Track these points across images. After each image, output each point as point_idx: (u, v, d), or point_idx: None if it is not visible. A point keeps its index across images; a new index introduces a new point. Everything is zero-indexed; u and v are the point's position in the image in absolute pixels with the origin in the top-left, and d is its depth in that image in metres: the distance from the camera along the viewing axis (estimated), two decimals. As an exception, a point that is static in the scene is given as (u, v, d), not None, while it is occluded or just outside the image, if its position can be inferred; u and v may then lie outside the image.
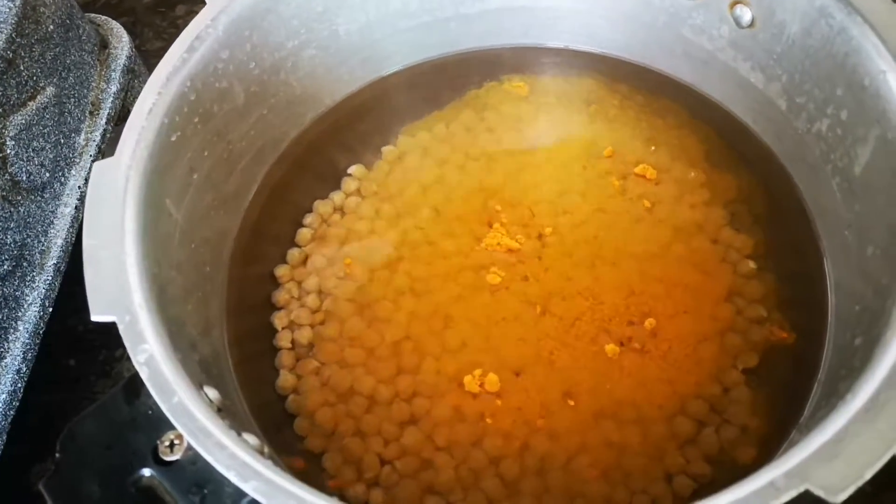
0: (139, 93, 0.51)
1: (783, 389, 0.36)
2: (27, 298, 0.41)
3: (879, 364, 0.25)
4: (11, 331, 0.40)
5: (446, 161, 0.46)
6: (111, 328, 0.50)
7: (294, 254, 0.43)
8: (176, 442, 0.26)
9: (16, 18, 0.40)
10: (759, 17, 0.36)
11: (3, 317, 0.39)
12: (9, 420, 0.39)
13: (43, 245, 0.42)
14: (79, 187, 0.44)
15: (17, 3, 0.41)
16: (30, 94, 0.41)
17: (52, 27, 0.44)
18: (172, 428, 0.26)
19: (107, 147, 0.47)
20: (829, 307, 0.36)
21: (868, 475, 0.23)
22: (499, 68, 0.47)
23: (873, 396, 0.24)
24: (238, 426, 0.27)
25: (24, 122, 0.41)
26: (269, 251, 0.42)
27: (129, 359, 0.49)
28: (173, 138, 0.33)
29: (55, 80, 0.44)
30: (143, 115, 0.31)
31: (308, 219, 0.44)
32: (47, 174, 0.42)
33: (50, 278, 0.42)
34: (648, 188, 0.43)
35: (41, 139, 0.42)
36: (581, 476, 0.36)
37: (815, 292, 0.36)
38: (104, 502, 0.25)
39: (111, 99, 0.48)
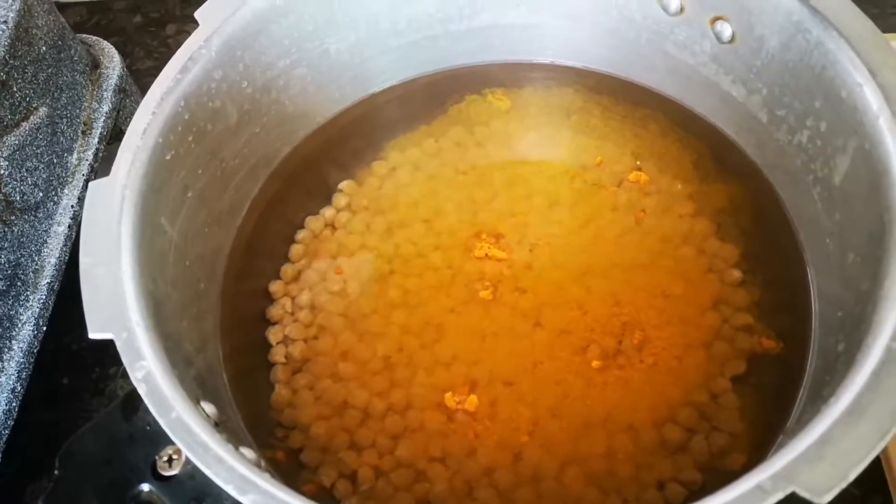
0: (131, 112, 0.52)
1: (770, 395, 0.37)
2: (21, 318, 0.41)
3: (861, 368, 0.25)
4: (6, 350, 0.40)
5: (436, 175, 0.46)
6: (104, 346, 0.50)
7: (287, 269, 0.43)
8: (174, 457, 0.26)
9: (9, 41, 0.41)
10: (739, 32, 0.37)
11: (-3, 336, 0.39)
12: (3, 440, 0.39)
13: (37, 264, 0.42)
14: (72, 206, 0.45)
15: (10, 25, 0.41)
16: (23, 115, 0.42)
17: (44, 48, 0.44)
18: (171, 443, 0.26)
19: (100, 166, 0.48)
20: (813, 313, 0.36)
21: (852, 476, 0.23)
22: (485, 84, 0.47)
23: (856, 400, 0.25)
24: (235, 440, 0.27)
25: (17, 142, 0.41)
26: (263, 267, 0.43)
27: (122, 376, 0.50)
28: (168, 157, 0.33)
29: (48, 100, 0.44)
30: (137, 135, 0.32)
31: (300, 235, 0.44)
32: (41, 194, 0.43)
33: (44, 297, 0.42)
34: (636, 199, 0.44)
35: (34, 159, 0.42)
36: (574, 485, 0.37)
37: (799, 299, 0.37)
38: (104, 518, 0.25)
39: (103, 118, 0.48)
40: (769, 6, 0.35)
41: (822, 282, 0.36)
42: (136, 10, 0.68)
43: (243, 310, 0.41)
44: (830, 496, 0.23)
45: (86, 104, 0.48)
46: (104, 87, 0.49)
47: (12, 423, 0.39)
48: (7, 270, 0.40)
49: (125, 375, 0.49)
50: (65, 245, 0.44)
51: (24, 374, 0.40)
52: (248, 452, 0.27)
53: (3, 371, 0.39)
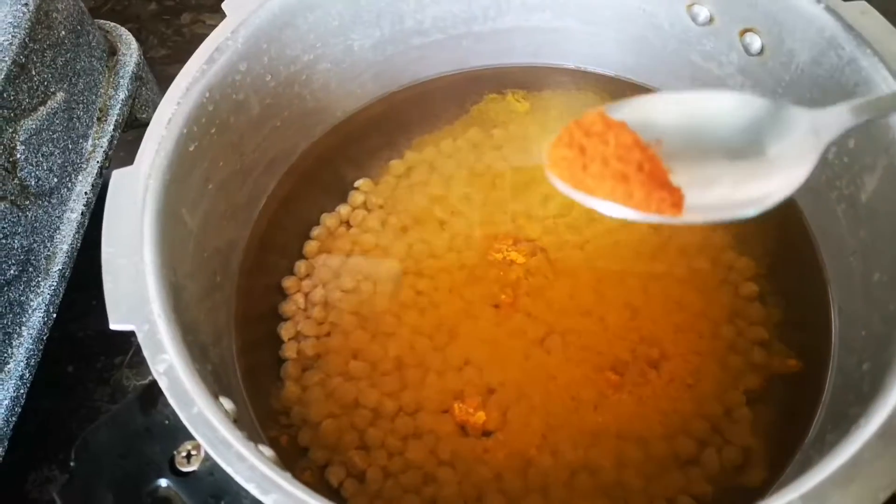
0: (146, 100, 0.51)
1: (785, 411, 0.36)
2: (32, 304, 0.41)
3: (891, 390, 0.25)
4: (16, 336, 0.39)
5: (452, 176, 0.46)
6: (110, 335, 0.50)
7: (301, 265, 0.43)
8: (193, 452, 0.26)
9: (29, 24, 0.40)
10: (769, 45, 0.37)
11: (8, 322, 0.39)
12: (11, 426, 0.38)
13: (49, 250, 0.42)
14: (85, 193, 0.44)
15: (31, 8, 0.41)
16: (41, 100, 0.41)
17: (63, 33, 0.44)
18: (189, 438, 0.26)
19: (114, 154, 0.47)
20: (833, 331, 0.36)
21: (882, 498, 0.23)
22: (506, 85, 0.47)
23: (887, 422, 0.24)
24: (256, 438, 0.27)
25: (34, 126, 0.40)
26: (277, 262, 0.42)
27: (128, 366, 0.49)
28: (191, 148, 0.33)
29: (65, 85, 0.43)
30: (162, 125, 0.31)
31: (315, 231, 0.44)
32: (55, 179, 0.42)
33: (55, 284, 0.42)
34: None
35: (50, 144, 0.42)
36: (583, 494, 0.36)
37: (818, 316, 0.37)
38: (120, 512, 0.25)
39: (119, 105, 0.48)
40: (802, 20, 0.34)
41: (844, 300, 0.36)
42: (151, -2, 0.68)
43: (257, 304, 0.41)
44: (859, 518, 0.23)
45: (102, 91, 0.48)
46: (121, 74, 0.49)
47: (20, 409, 0.39)
48: (20, 256, 0.39)
49: (131, 365, 0.49)
50: (77, 232, 0.43)
51: (32, 361, 0.40)
52: (266, 450, 0.27)
53: (12, 357, 0.39)
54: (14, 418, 0.39)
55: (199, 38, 0.36)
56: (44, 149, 0.41)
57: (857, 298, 0.34)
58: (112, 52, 0.50)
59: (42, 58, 0.42)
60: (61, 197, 0.43)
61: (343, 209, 0.45)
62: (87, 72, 0.46)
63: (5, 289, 0.39)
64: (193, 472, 0.25)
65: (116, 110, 0.47)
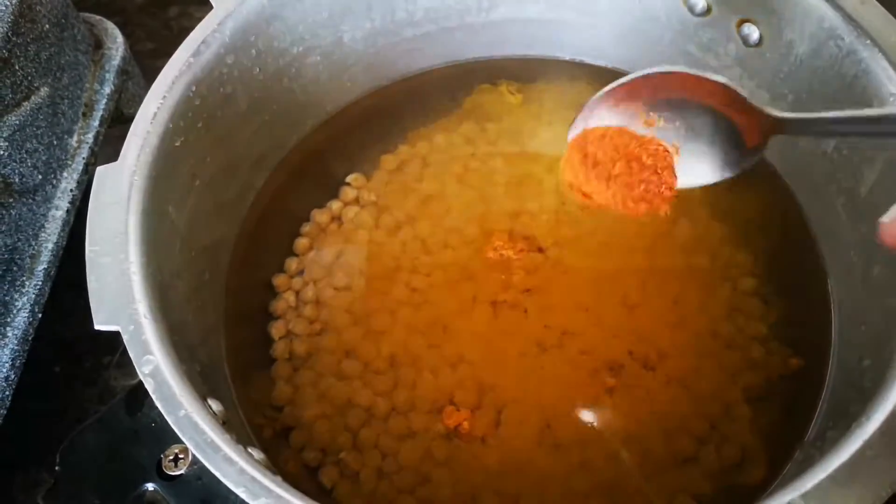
0: (133, 94, 0.50)
1: (785, 408, 0.36)
2: (16, 304, 0.40)
3: (893, 387, 0.25)
4: (0, 337, 0.39)
5: (446, 171, 0.45)
6: (98, 336, 0.49)
7: (291, 263, 0.42)
8: (181, 456, 0.25)
9: (12, 17, 0.39)
10: (767, 36, 0.36)
11: (-9, 322, 0.38)
12: (-5, 429, 0.38)
13: (33, 249, 0.41)
14: (71, 190, 0.43)
15: (14, 1, 0.40)
16: (24, 95, 0.40)
17: (47, 26, 0.43)
18: (177, 441, 0.25)
19: (100, 150, 0.46)
20: (833, 326, 0.36)
21: (885, 496, 0.23)
22: (500, 78, 0.46)
23: (888, 419, 0.24)
24: (244, 440, 0.26)
25: (17, 122, 0.40)
26: (267, 260, 0.42)
27: (116, 367, 0.48)
28: (177, 143, 0.32)
29: (49, 80, 0.42)
30: (147, 119, 0.31)
31: (305, 227, 0.43)
32: (39, 176, 0.41)
33: (40, 283, 0.41)
34: (649, 202, 0.43)
35: (34, 140, 0.41)
36: (581, 493, 0.36)
37: (818, 311, 0.37)
38: (106, 518, 0.24)
39: (105, 100, 0.47)
40: (800, 11, 0.34)
41: (844, 294, 0.35)
42: (138, -9, 0.67)
43: (246, 303, 0.40)
44: (862, 518, 0.22)
45: (87, 85, 0.47)
46: (106, 68, 0.48)
47: (5, 411, 0.38)
48: (4, 255, 0.39)
49: (119, 366, 0.49)
50: (62, 230, 0.43)
51: (18, 363, 0.39)
52: (256, 453, 0.26)
53: (-4, 358, 0.38)
54: (-1, 420, 0.38)
55: (186, 32, 0.35)
56: (27, 145, 0.40)
57: (858, 293, 0.34)
58: (97, 45, 0.49)
59: (25, 52, 0.41)
60: (46, 194, 0.42)
61: (334, 205, 0.44)
62: (71, 66, 0.45)
63: (-11, 288, 0.38)
64: (181, 475, 0.25)
65: (102, 105, 0.46)
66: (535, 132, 0.46)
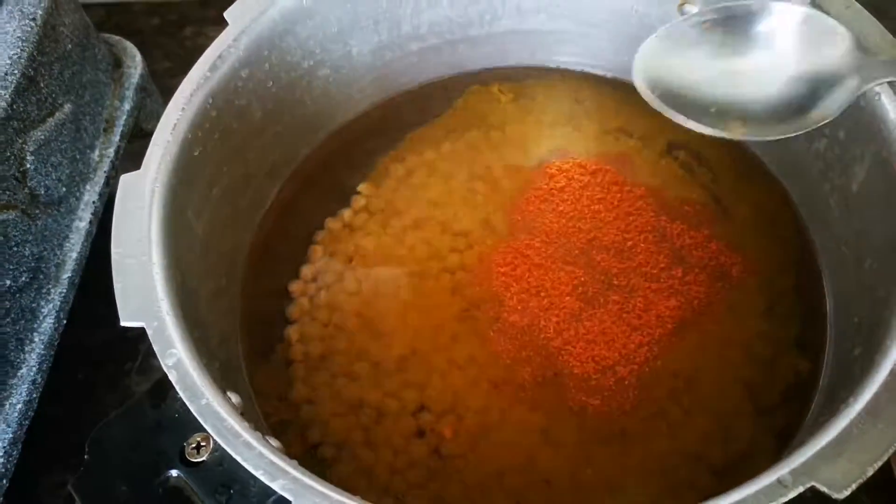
0: (151, 111, 0.52)
1: (785, 400, 0.37)
2: (43, 311, 0.42)
3: (880, 369, 0.26)
4: (27, 342, 0.40)
5: (452, 178, 0.47)
6: (119, 341, 0.51)
7: (306, 269, 0.43)
8: (202, 444, 0.26)
9: (37, 37, 0.41)
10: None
11: (20, 328, 0.40)
12: (24, 430, 0.39)
13: (58, 258, 0.43)
14: (93, 202, 0.45)
15: (39, 22, 0.42)
16: (49, 111, 0.42)
17: (70, 46, 0.45)
18: (199, 430, 0.27)
19: (120, 164, 0.48)
20: (829, 319, 0.37)
21: (870, 472, 0.24)
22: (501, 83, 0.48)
23: (873, 399, 0.25)
24: (260, 429, 0.27)
25: (43, 137, 0.42)
26: (283, 266, 0.43)
27: (137, 372, 0.50)
28: (196, 153, 0.34)
29: (72, 97, 0.45)
30: (167, 130, 0.32)
31: (319, 235, 0.45)
32: (64, 189, 0.43)
33: (65, 291, 0.43)
34: (648, 205, 0.44)
35: (58, 154, 0.43)
36: (587, 487, 0.37)
37: (813, 305, 0.38)
38: (133, 502, 0.26)
39: (125, 116, 0.49)
40: (791, 17, 0.35)
41: (838, 288, 0.37)
42: (153, 13, 0.69)
43: (263, 308, 0.42)
44: (848, 491, 0.23)
45: (108, 102, 0.49)
46: (126, 86, 0.50)
47: (33, 414, 0.40)
48: (31, 263, 0.40)
49: (140, 371, 0.50)
50: (85, 240, 0.44)
51: (44, 366, 0.41)
52: (273, 441, 0.28)
53: (24, 362, 0.40)
54: (27, 422, 0.40)
55: (201, 50, 0.37)
56: (52, 159, 0.42)
57: (850, 286, 0.35)
58: (117, 64, 0.51)
59: (50, 70, 0.43)
60: (70, 206, 0.44)
61: (346, 213, 0.46)
62: (93, 84, 0.47)
63: (17, 295, 0.40)
64: (203, 462, 0.26)
65: (122, 121, 0.48)
66: (537, 140, 0.47)
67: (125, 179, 0.31)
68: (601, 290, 0.41)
